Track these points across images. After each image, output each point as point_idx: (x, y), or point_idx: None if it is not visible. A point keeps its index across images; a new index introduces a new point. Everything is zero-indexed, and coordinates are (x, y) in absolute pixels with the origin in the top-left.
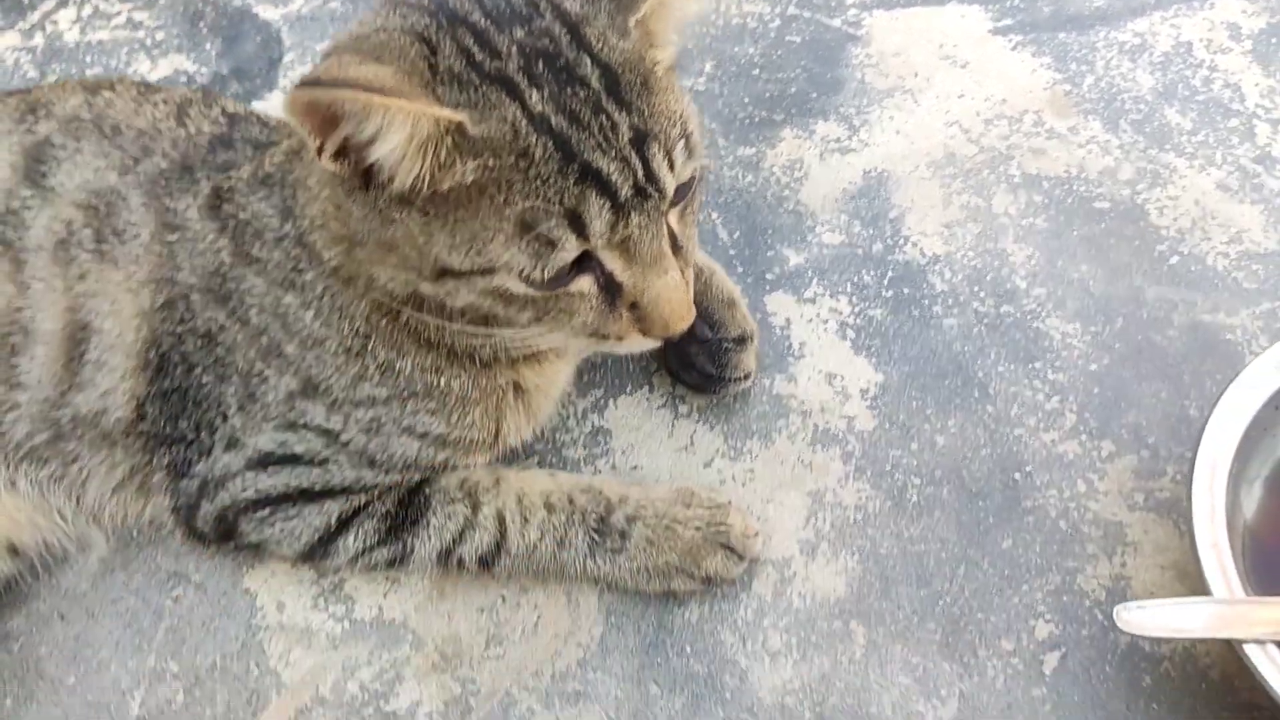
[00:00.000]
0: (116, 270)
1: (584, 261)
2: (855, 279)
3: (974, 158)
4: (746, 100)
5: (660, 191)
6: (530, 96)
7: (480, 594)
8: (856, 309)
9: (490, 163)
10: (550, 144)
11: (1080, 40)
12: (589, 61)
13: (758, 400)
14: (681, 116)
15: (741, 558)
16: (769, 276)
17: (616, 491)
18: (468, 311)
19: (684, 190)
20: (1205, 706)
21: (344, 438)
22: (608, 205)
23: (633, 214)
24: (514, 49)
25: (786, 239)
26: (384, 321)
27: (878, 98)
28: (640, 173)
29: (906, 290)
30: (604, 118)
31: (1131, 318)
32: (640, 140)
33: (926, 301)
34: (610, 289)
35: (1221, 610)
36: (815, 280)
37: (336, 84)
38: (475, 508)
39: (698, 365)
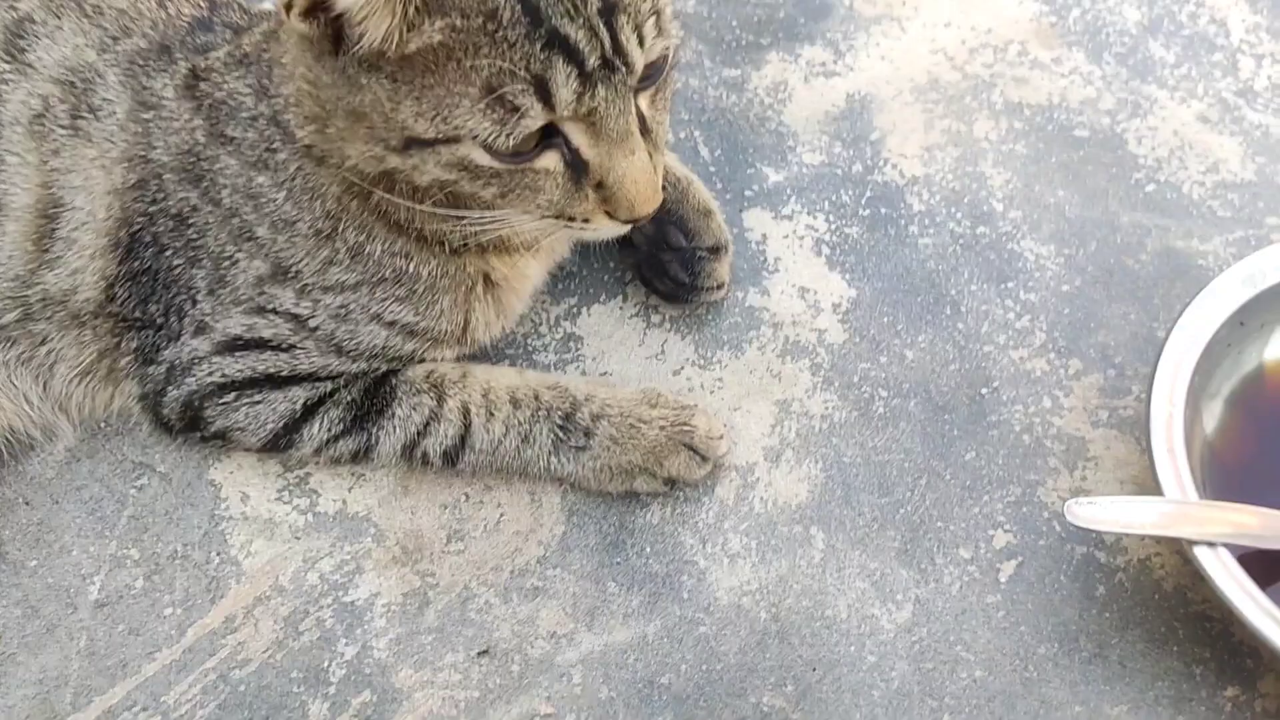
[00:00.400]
0: (90, 146)
1: (550, 137)
2: (833, 198)
3: (957, 84)
4: (734, 23)
5: (628, 65)
6: None
7: (444, 491)
8: (833, 226)
9: (458, 22)
10: (519, 6)
11: None
12: None
13: (730, 312)
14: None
15: (705, 459)
16: (747, 194)
17: (583, 390)
18: (434, 189)
19: (655, 71)
20: (1158, 616)
21: (312, 323)
22: (574, 74)
23: (599, 86)
24: None
25: (767, 158)
26: (354, 203)
27: (864, 24)
28: (608, 44)
29: (884, 210)
30: None
31: (1105, 242)
32: (608, 11)
33: (903, 221)
34: (576, 167)
35: (1172, 510)
36: (793, 198)
37: None
38: (440, 400)
39: (671, 273)
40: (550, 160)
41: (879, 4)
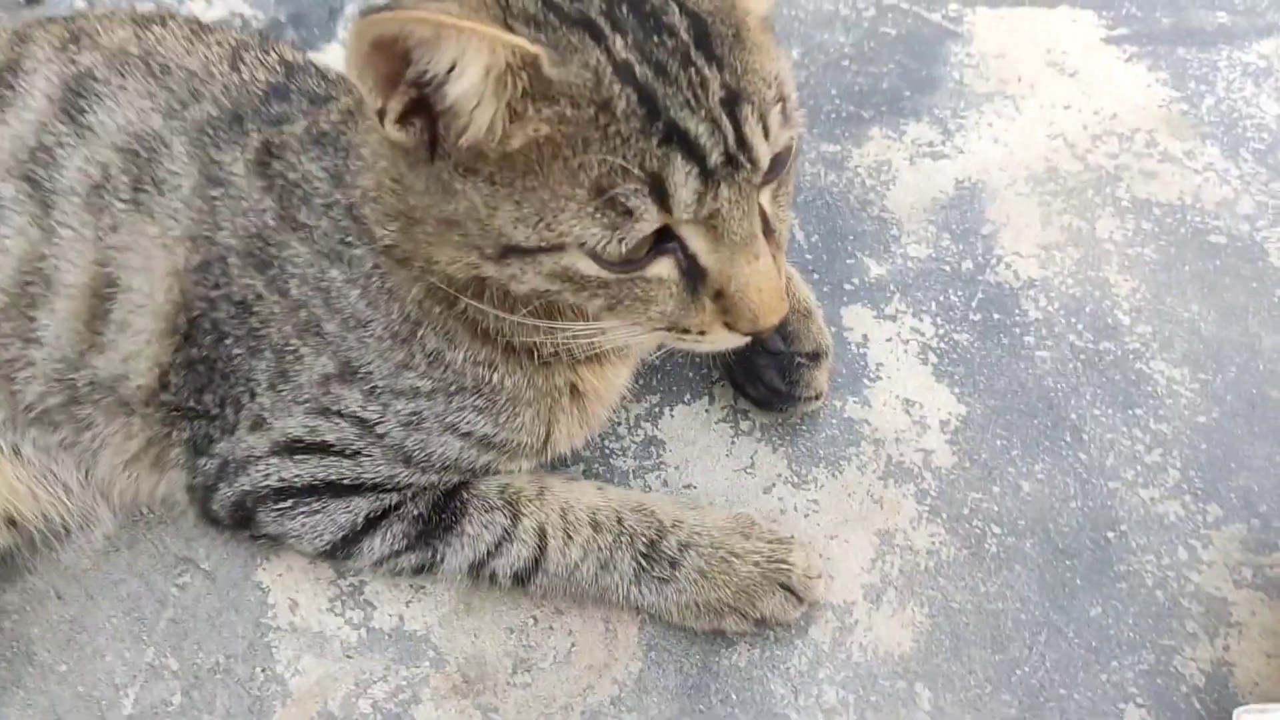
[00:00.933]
0: (152, 224)
1: (664, 241)
2: (941, 298)
3: (1078, 175)
4: (834, 93)
5: (753, 161)
6: (614, 42)
7: (510, 612)
8: (940, 331)
9: (567, 112)
10: (634, 97)
11: (1200, 58)
12: (675, 8)
13: (827, 423)
14: (777, 78)
15: (801, 600)
16: (847, 287)
17: (670, 514)
18: (533, 299)
19: (779, 164)
20: None
21: (380, 429)
22: (695, 172)
23: (722, 185)
24: None
25: (868, 247)
26: (437, 309)
27: (975, 101)
28: (731, 138)
29: (996, 315)
30: (693, 72)
31: (1246, 368)
32: (732, 101)
33: (1018, 330)
34: (693, 275)
35: None
36: (897, 296)
37: (406, 9)
38: (515, 519)
39: (765, 379)
40: (664, 268)
41: (991, 80)
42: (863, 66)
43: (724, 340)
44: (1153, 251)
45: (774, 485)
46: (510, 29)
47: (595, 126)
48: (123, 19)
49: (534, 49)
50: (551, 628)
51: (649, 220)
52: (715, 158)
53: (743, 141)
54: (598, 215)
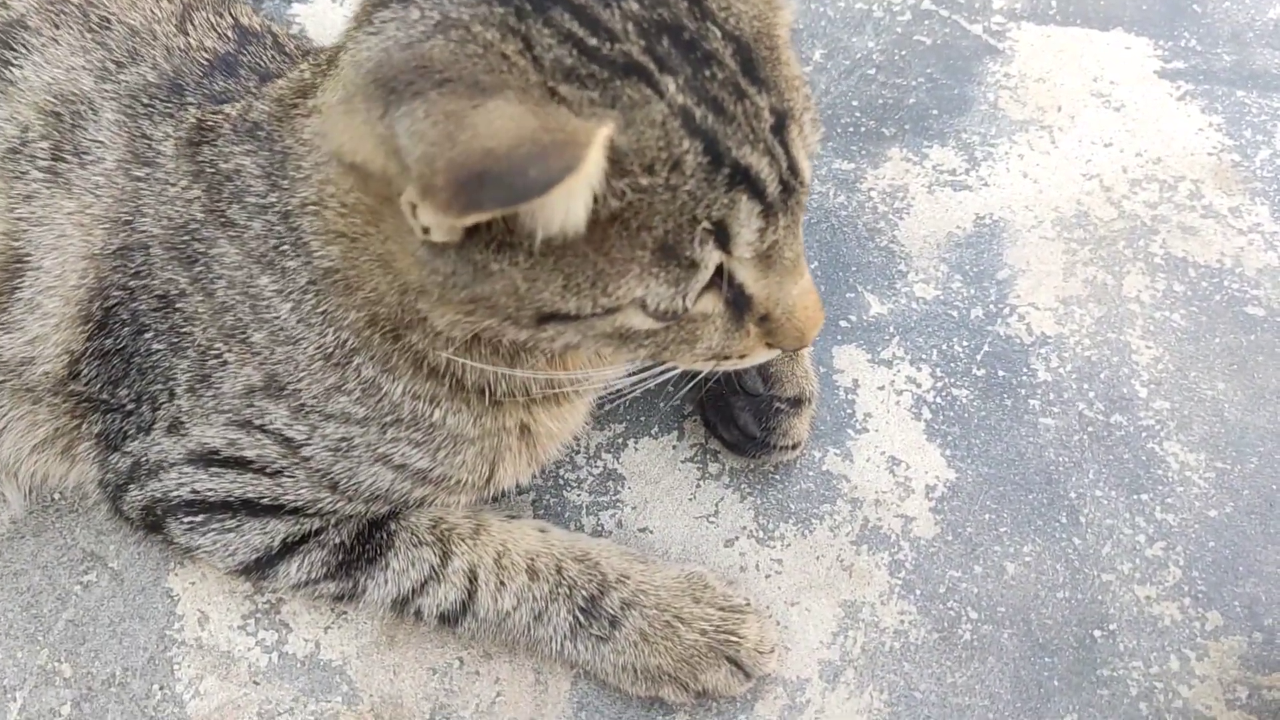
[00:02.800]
0: (69, 198)
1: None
2: (944, 346)
3: (1111, 223)
4: (855, 104)
5: (803, 182)
6: (668, 86)
7: (435, 651)
8: (939, 384)
9: (643, 181)
10: (700, 146)
11: (1261, 103)
12: (716, 32)
13: (803, 475)
14: (803, 82)
15: (749, 676)
16: (843, 324)
17: (616, 567)
18: (558, 352)
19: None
20: None
21: (306, 451)
22: (758, 210)
23: (779, 216)
24: (629, 25)
25: (872, 281)
26: (378, 338)
27: (1008, 129)
28: (785, 165)
29: (1002, 372)
30: (747, 103)
31: (1269, 460)
32: (781, 125)
33: (1023, 391)
34: (738, 303)
35: None
36: (896, 339)
37: (515, 188)
38: (445, 557)
39: (740, 423)
40: (708, 303)
41: (1029, 106)
42: (890, 77)
43: (762, 357)
44: (1182, 318)
45: (737, 538)
46: (553, 92)
47: (667, 188)
48: None
49: (610, 129)
50: (477, 673)
51: (711, 266)
52: (774, 189)
53: (794, 165)
54: (661, 274)
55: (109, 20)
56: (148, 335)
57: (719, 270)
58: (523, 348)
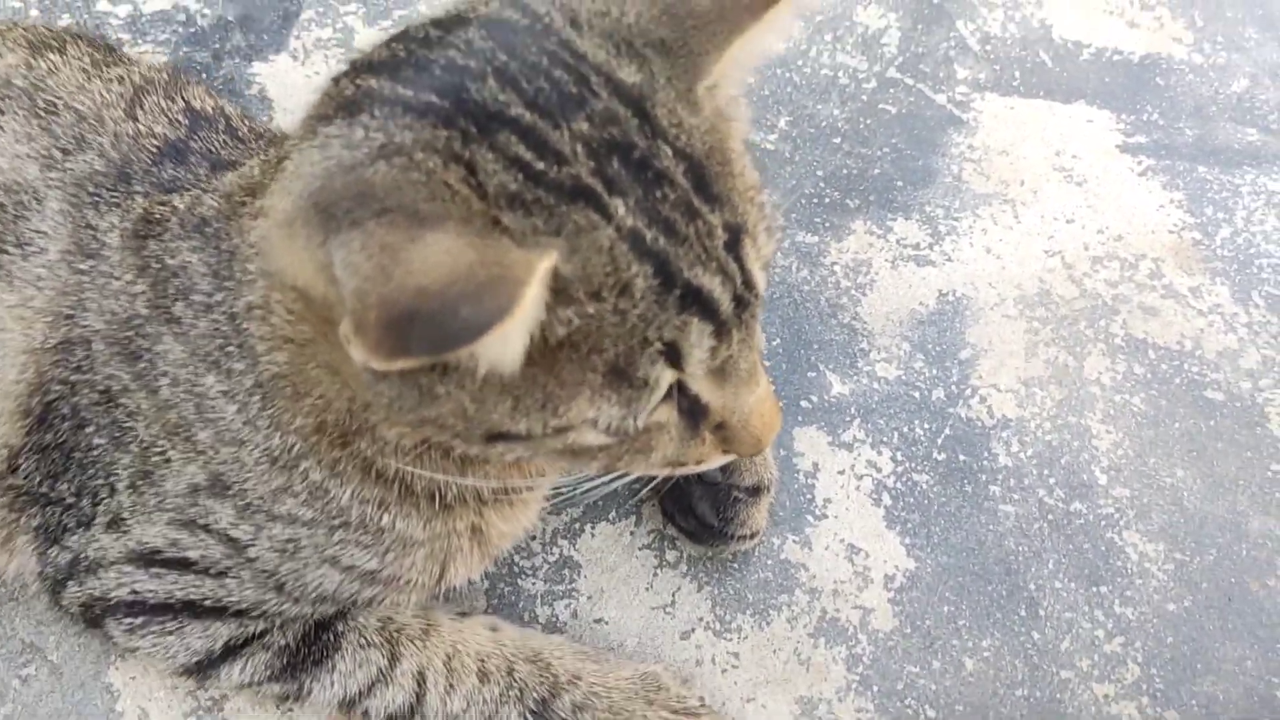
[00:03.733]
0: (9, 290)
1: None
2: (905, 429)
3: (1073, 302)
4: (820, 173)
5: (756, 294)
6: (618, 209)
7: None
8: (900, 469)
9: (590, 309)
10: (650, 269)
11: (1222, 180)
12: (667, 150)
13: (761, 564)
14: (758, 191)
15: None
16: (804, 404)
17: (568, 668)
18: (511, 464)
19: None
20: None
21: (251, 552)
22: (709, 330)
23: (733, 332)
24: (578, 146)
25: (833, 360)
26: (326, 443)
27: (972, 203)
28: (739, 280)
29: (963, 457)
30: (699, 222)
31: (1228, 552)
32: (735, 240)
33: (984, 477)
34: (694, 413)
35: None
36: (857, 421)
37: (446, 330)
38: (394, 659)
39: (698, 512)
40: (663, 414)
41: (993, 179)
42: (855, 147)
43: (718, 462)
44: (1142, 402)
45: (693, 630)
46: (496, 221)
47: (615, 313)
48: (17, 40)
49: (552, 260)
50: None
51: (664, 385)
52: (727, 306)
53: (748, 280)
54: (612, 396)
55: (56, 105)
56: (89, 430)
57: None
58: (474, 459)
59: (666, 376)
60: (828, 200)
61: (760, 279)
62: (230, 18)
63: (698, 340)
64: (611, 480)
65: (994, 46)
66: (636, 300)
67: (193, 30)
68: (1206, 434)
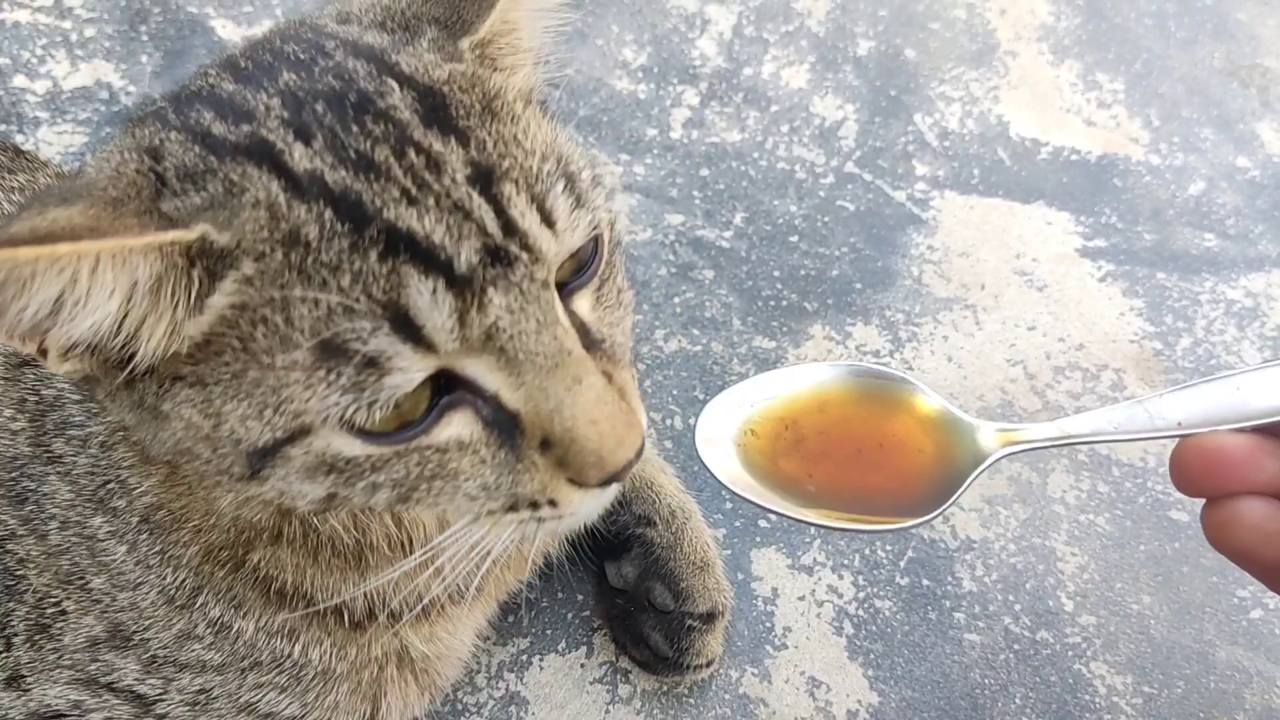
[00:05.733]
0: None
1: (448, 392)
2: (866, 552)
3: (1035, 415)
4: (776, 274)
5: (532, 250)
6: (292, 154)
7: None
8: (861, 595)
9: (248, 270)
10: (329, 211)
11: (1182, 287)
12: (396, 87)
13: (719, 697)
14: (556, 151)
15: None
16: (762, 524)
17: None
18: (328, 516)
19: (589, 261)
20: None
21: (160, 708)
22: (440, 282)
23: (490, 290)
24: (275, 101)
25: None
26: (220, 571)
27: (932, 308)
28: (493, 225)
29: (926, 582)
30: (414, 154)
31: (1195, 684)
32: (484, 178)
33: (948, 603)
34: (504, 425)
35: None
36: (818, 543)
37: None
38: None
39: (650, 643)
40: (458, 426)
41: (953, 282)
42: (813, 246)
43: (583, 504)
44: (1106, 522)
45: None
46: (163, 208)
47: (289, 268)
48: None
49: (193, 233)
50: None
51: (406, 365)
52: (467, 254)
53: (510, 227)
54: (330, 377)
55: None
56: None
57: (456, 380)
58: (323, 543)
59: (405, 353)
60: (785, 303)
61: (541, 236)
62: (156, 94)
63: (427, 299)
64: (480, 552)
65: (952, 142)
66: (312, 246)
67: (116, 109)
68: (1172, 557)
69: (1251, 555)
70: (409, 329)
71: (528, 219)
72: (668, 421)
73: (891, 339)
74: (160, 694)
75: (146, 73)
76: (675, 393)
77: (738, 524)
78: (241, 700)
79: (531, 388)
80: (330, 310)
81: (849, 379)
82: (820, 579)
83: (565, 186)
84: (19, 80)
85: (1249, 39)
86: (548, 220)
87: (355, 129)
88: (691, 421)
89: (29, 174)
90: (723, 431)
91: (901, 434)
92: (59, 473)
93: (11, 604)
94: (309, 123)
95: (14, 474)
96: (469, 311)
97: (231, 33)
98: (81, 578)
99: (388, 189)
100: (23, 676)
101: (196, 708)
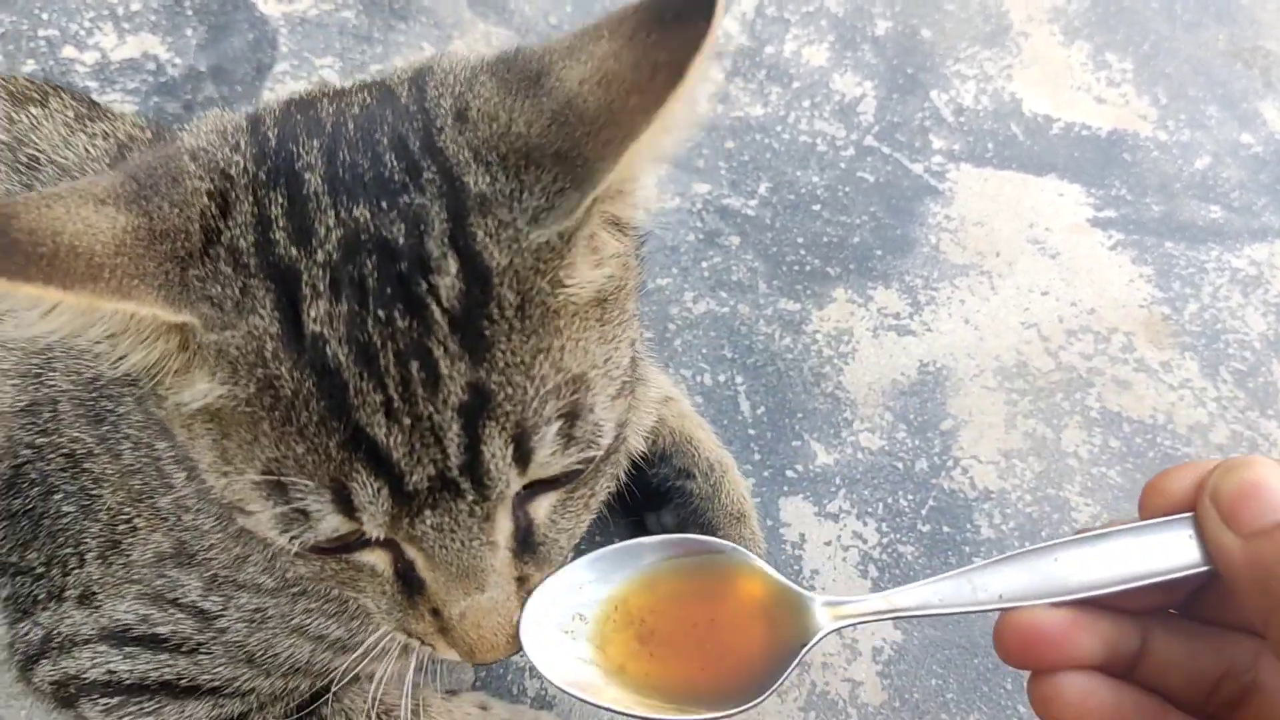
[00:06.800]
0: None
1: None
2: (890, 500)
3: (1049, 374)
4: (800, 240)
5: (483, 486)
6: (312, 308)
7: None
8: (885, 540)
9: (231, 387)
10: (312, 384)
11: (1189, 256)
12: (454, 268)
13: None
14: (575, 381)
15: None
16: (789, 474)
17: None
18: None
19: (569, 475)
20: None
21: (221, 623)
22: (385, 491)
23: (426, 512)
24: (337, 233)
25: (818, 429)
26: None
27: (950, 273)
28: (456, 456)
29: (946, 529)
30: (418, 368)
31: None
32: (474, 409)
33: (967, 549)
34: (410, 580)
35: None
36: (843, 491)
37: None
38: None
39: None
40: (376, 559)
41: (969, 250)
42: (834, 214)
43: (450, 655)
44: (1118, 475)
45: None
46: (188, 273)
47: (261, 408)
48: None
49: (183, 317)
50: None
51: (336, 525)
52: (418, 479)
53: (473, 464)
54: (270, 502)
55: (39, 160)
56: (57, 497)
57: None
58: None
59: (333, 520)
60: (808, 268)
61: (501, 474)
62: (202, 68)
63: (368, 496)
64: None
65: (967, 118)
66: (284, 406)
67: (163, 80)
68: None
69: None
70: (346, 506)
71: (496, 459)
72: (698, 379)
73: (911, 302)
74: (221, 610)
75: (191, 46)
76: (704, 351)
77: (766, 474)
78: (293, 622)
79: (439, 577)
80: (282, 459)
81: (678, 554)
82: (845, 525)
83: (562, 428)
84: (68, 51)
85: (1250, 23)
86: (521, 459)
87: (381, 314)
88: (721, 378)
89: (108, 123)
90: (549, 618)
91: (732, 611)
92: (135, 395)
93: (87, 522)
94: (347, 279)
95: (94, 394)
96: (402, 518)
97: (273, 9)
98: (151, 496)
99: (373, 395)
100: (94, 594)
101: (253, 624)
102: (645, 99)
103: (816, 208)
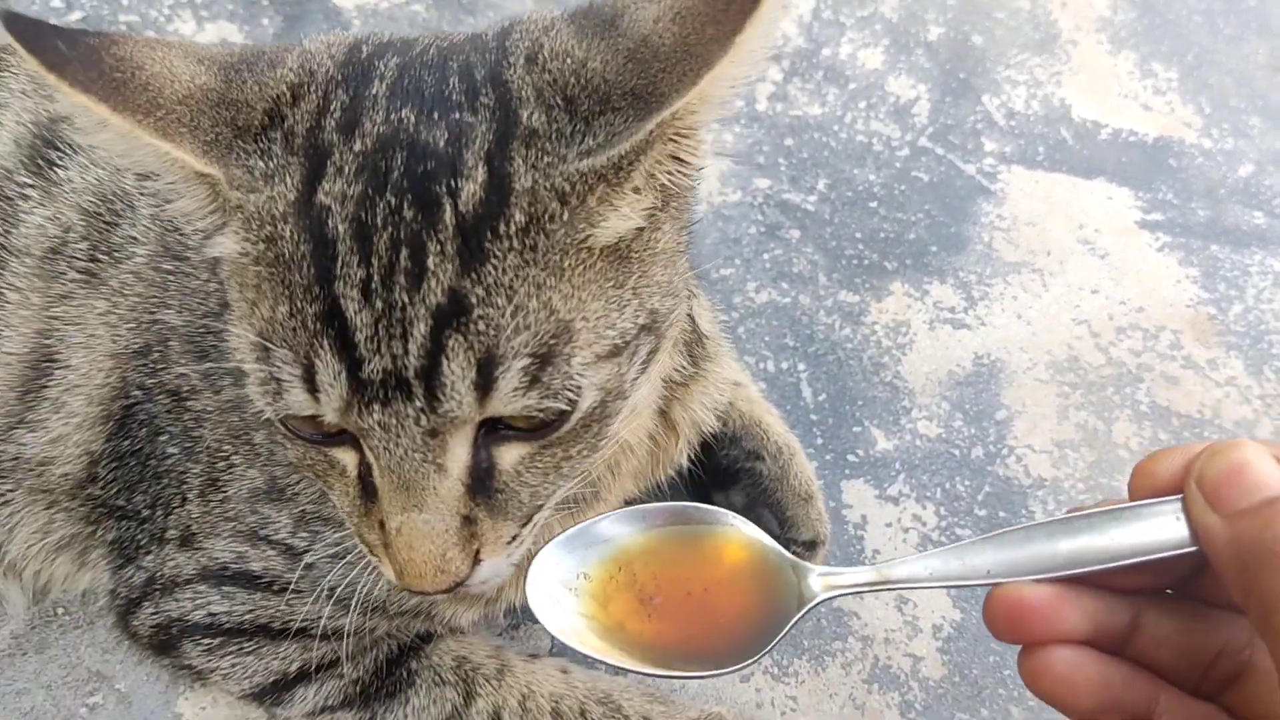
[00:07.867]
0: (101, 298)
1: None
2: (947, 485)
3: (1100, 369)
4: (858, 235)
5: (433, 401)
6: (328, 183)
7: None
8: (944, 523)
9: (245, 243)
10: (307, 250)
11: (1233, 259)
12: (482, 177)
13: (815, 611)
14: (559, 325)
15: None
16: (851, 459)
17: (638, 709)
18: None
19: (549, 424)
20: None
21: (309, 558)
22: (343, 375)
23: (375, 405)
24: (380, 129)
25: (878, 416)
26: None
27: (1002, 270)
28: (415, 360)
29: (1002, 514)
30: (409, 259)
31: None
32: (448, 316)
33: None
34: (368, 487)
35: None
36: (903, 475)
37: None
38: (469, 698)
39: None
40: (345, 457)
41: (1021, 248)
42: (891, 211)
43: (386, 569)
44: None
45: (753, 674)
46: (239, 143)
47: (264, 263)
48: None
49: (210, 170)
50: None
51: (302, 402)
52: (373, 369)
53: (432, 373)
54: (259, 364)
55: None
56: (163, 438)
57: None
58: None
59: (298, 394)
60: (867, 262)
61: (456, 391)
62: None
63: (328, 376)
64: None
65: (1018, 122)
66: (282, 265)
67: None
68: None
69: (1064, 703)
70: (311, 384)
71: (454, 375)
72: (761, 365)
73: (965, 297)
74: (308, 546)
75: (268, 34)
76: (767, 339)
77: (828, 457)
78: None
79: (385, 485)
80: (272, 321)
81: (675, 521)
82: (905, 508)
83: (529, 366)
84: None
85: None
86: (482, 386)
87: (391, 200)
88: (784, 365)
89: None
90: (555, 575)
91: (729, 578)
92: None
93: (189, 464)
94: (372, 167)
95: (202, 330)
96: (354, 405)
97: (346, 1)
98: (246, 432)
99: (356, 270)
100: (194, 535)
101: (336, 559)
102: (721, 29)
103: (873, 204)
